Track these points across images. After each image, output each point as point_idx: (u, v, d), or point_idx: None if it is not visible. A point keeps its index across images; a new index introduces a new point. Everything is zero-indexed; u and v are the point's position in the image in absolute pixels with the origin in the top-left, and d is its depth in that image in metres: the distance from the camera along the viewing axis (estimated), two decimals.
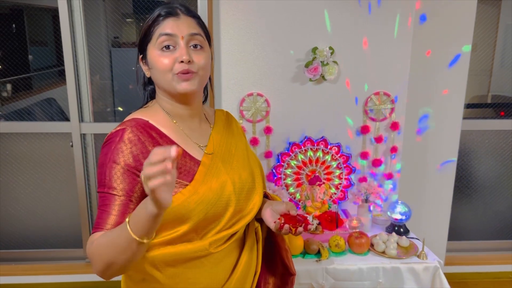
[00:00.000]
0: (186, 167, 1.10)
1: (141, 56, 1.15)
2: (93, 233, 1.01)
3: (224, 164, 1.17)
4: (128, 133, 1.04)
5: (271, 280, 1.35)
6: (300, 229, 1.14)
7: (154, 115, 1.13)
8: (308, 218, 1.17)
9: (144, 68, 1.16)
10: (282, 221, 1.14)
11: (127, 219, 0.91)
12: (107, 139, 1.07)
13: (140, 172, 0.98)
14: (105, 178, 1.02)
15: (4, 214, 2.73)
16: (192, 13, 1.11)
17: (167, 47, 1.06)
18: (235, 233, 1.18)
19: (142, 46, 1.13)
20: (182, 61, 1.05)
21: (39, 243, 2.78)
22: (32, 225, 2.76)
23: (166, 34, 1.06)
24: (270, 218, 1.20)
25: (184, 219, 1.06)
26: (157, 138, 1.08)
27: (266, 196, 1.37)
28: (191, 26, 1.08)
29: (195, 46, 1.09)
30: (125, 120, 1.11)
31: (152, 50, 1.08)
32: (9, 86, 2.84)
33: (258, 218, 1.33)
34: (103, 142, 1.08)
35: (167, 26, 1.06)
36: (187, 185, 1.07)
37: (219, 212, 1.11)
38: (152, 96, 1.21)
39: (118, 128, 1.07)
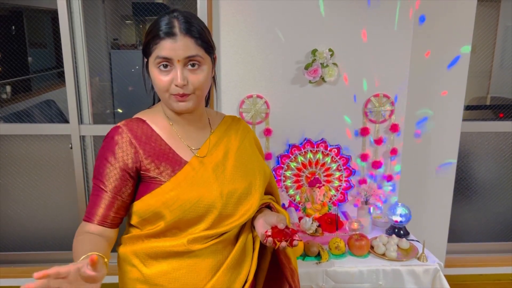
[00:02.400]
0: (171, 166, 1.15)
1: (146, 61, 1.17)
2: (84, 220, 1.14)
3: (215, 168, 1.18)
4: (120, 131, 1.14)
5: None
6: (283, 244, 1.09)
7: (154, 116, 1.21)
8: (296, 235, 1.11)
9: (148, 73, 1.20)
10: (269, 233, 1.11)
11: (83, 256, 0.94)
12: (107, 134, 1.17)
13: (127, 172, 1.13)
14: (98, 170, 1.15)
15: (3, 216, 2.72)
16: (192, 33, 1.08)
17: (165, 66, 1.10)
18: (221, 235, 1.18)
19: (145, 54, 1.17)
20: (176, 85, 1.09)
21: (38, 245, 2.78)
22: (31, 227, 2.75)
23: (163, 57, 1.08)
24: (261, 229, 1.19)
25: (161, 215, 1.12)
26: (148, 136, 1.16)
27: (270, 208, 1.34)
28: (189, 48, 1.08)
29: (192, 65, 1.10)
30: (128, 118, 1.21)
31: (151, 66, 1.13)
32: (8, 88, 2.84)
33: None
34: (103, 141, 1.19)
35: (164, 48, 1.07)
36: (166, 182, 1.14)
37: (200, 214, 1.13)
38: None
39: (115, 126, 1.17)
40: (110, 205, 1.13)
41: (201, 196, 1.13)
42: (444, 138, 2.47)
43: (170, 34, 1.07)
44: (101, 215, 1.12)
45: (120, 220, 1.17)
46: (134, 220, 1.17)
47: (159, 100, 1.24)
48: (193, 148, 1.20)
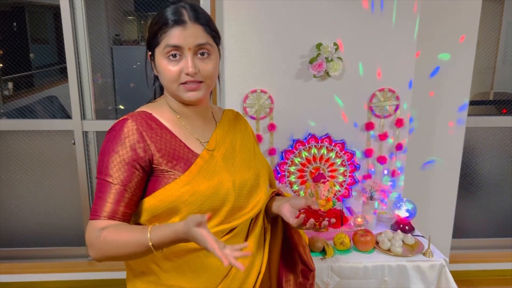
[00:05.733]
0: (183, 159, 1.12)
1: (150, 53, 1.15)
2: (92, 219, 1.06)
3: (225, 160, 1.19)
4: (129, 123, 1.09)
5: (291, 277, 1.35)
6: (325, 222, 1.13)
7: (159, 109, 1.17)
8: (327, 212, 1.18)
9: (152, 65, 1.17)
10: (305, 216, 1.14)
11: (148, 230, 0.98)
12: (111, 128, 1.12)
13: (137, 163, 1.07)
14: (103, 165, 1.08)
15: (6, 212, 2.72)
16: (200, 20, 1.09)
17: (174, 55, 1.08)
18: (234, 228, 1.18)
19: (150, 46, 1.14)
20: (186, 73, 1.08)
21: (41, 241, 2.78)
22: (34, 223, 2.75)
23: (173, 46, 1.06)
24: (289, 214, 1.20)
25: (176, 210, 1.09)
26: (157, 129, 1.12)
27: (279, 195, 1.36)
28: (198, 36, 1.08)
29: (202, 53, 1.10)
30: (132, 111, 1.16)
31: (159, 57, 1.10)
32: (10, 84, 2.83)
33: (273, 216, 1.33)
34: (107, 134, 1.14)
35: (174, 36, 1.06)
36: (180, 175, 1.10)
37: (215, 207, 1.12)
38: (162, 89, 1.23)
39: (121, 118, 1.12)
40: (119, 198, 1.05)
41: (217, 188, 1.12)
42: (449, 133, 2.45)
43: (180, 21, 1.06)
44: (109, 210, 1.05)
45: (130, 216, 1.10)
46: (144, 218, 1.11)
47: (161, 94, 1.24)
48: (203, 141, 1.19)
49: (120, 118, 1.12)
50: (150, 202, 1.10)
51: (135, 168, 1.07)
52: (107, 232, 1.02)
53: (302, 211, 1.16)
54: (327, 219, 1.14)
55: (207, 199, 1.10)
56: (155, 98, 1.25)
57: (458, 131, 2.47)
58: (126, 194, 1.06)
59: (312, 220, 1.13)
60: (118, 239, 1.01)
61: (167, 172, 1.10)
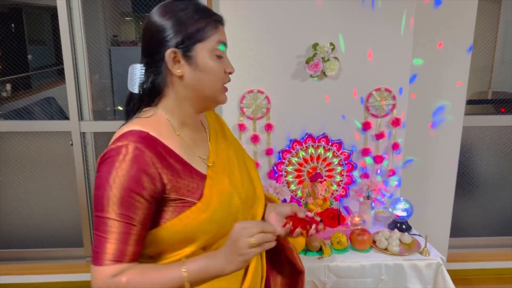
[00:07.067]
0: (193, 184, 1.01)
1: (175, 50, 0.99)
2: (96, 265, 0.93)
3: (227, 174, 1.11)
4: (132, 149, 0.93)
5: (278, 280, 1.29)
6: (312, 230, 1.08)
7: (156, 126, 1.01)
8: (314, 218, 1.12)
9: (174, 65, 1.00)
10: (291, 225, 1.09)
11: (183, 271, 0.93)
12: (106, 156, 0.95)
13: (142, 196, 0.93)
14: (103, 201, 0.91)
15: (4, 214, 2.72)
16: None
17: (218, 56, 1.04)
18: None
19: (186, 41, 0.98)
20: (229, 73, 1.06)
21: (39, 242, 2.77)
22: (32, 224, 2.75)
23: (225, 44, 1.04)
24: (276, 223, 1.14)
25: (192, 239, 1.00)
26: (163, 153, 0.98)
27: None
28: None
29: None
30: (123, 133, 0.98)
31: (204, 54, 1.00)
32: (8, 86, 2.83)
33: None
34: (99, 159, 0.97)
35: (223, 34, 1.04)
36: (195, 203, 0.99)
37: (228, 228, 0.99)
38: (153, 98, 1.05)
39: (119, 144, 0.94)
40: (125, 239, 0.92)
41: (229, 206, 1.05)
42: (447, 132, 2.46)
43: (222, 20, 1.05)
44: (116, 253, 0.92)
45: (140, 254, 0.98)
46: (155, 250, 1.01)
47: (147, 105, 1.06)
48: (203, 157, 1.08)
49: (118, 144, 0.94)
50: (161, 233, 0.98)
51: (152, 203, 0.95)
52: (130, 276, 0.92)
53: (288, 219, 1.11)
54: (314, 225, 1.09)
55: (225, 223, 1.02)
56: (144, 107, 1.07)
57: (455, 130, 2.48)
58: (133, 231, 0.93)
59: (299, 230, 1.08)
60: (146, 280, 0.92)
61: (179, 200, 0.98)
